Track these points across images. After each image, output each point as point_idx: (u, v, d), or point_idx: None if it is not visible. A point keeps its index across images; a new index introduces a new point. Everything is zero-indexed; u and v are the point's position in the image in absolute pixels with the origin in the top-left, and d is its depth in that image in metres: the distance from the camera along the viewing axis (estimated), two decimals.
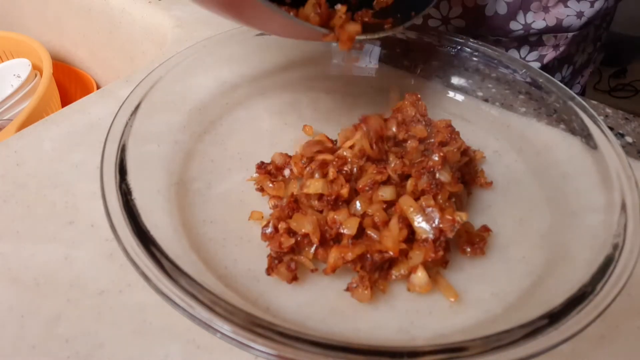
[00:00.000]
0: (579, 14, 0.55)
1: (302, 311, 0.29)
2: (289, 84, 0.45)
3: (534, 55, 0.58)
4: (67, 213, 0.34)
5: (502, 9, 0.54)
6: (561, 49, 0.58)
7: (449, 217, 0.30)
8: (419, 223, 0.30)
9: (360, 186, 0.33)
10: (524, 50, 0.58)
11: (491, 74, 0.43)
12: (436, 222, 0.30)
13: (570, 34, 0.56)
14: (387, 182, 0.33)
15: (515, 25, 0.55)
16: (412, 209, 0.30)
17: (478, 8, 0.54)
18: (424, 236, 0.30)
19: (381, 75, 0.47)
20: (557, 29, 0.55)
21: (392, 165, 0.33)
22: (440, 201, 0.32)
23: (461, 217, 0.31)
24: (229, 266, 0.31)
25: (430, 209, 0.30)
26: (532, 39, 0.57)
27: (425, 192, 0.32)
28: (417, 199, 0.32)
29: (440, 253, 0.30)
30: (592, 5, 0.55)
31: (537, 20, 0.54)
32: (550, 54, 0.58)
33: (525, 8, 0.54)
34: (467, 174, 0.36)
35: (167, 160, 0.37)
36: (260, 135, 0.41)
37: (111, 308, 0.29)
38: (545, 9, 0.55)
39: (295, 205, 0.32)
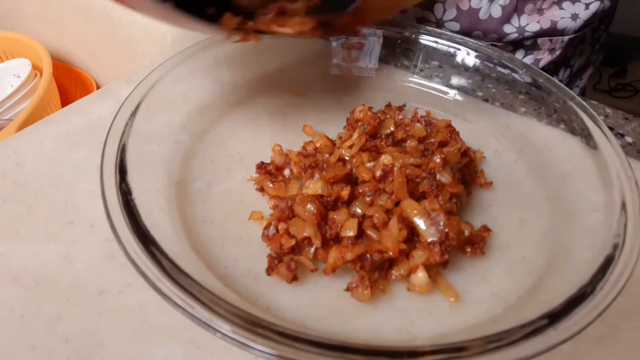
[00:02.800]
0: (574, 16, 0.55)
1: (302, 311, 0.29)
2: (289, 84, 0.45)
3: (529, 59, 0.58)
4: (67, 213, 0.34)
5: (496, 12, 0.54)
6: (557, 52, 0.58)
7: (454, 223, 0.30)
8: (424, 227, 0.30)
9: (361, 191, 0.33)
10: (519, 54, 0.58)
11: (491, 74, 0.43)
12: (441, 225, 0.30)
13: (566, 38, 0.56)
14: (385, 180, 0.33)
15: (509, 29, 0.54)
16: (416, 212, 0.30)
17: (472, 11, 0.54)
18: (429, 239, 0.30)
19: (381, 75, 0.47)
20: (551, 31, 0.55)
21: (384, 160, 0.33)
22: (441, 202, 0.32)
23: (467, 229, 0.32)
24: (229, 266, 0.31)
25: (435, 213, 0.30)
26: (527, 43, 0.57)
27: (426, 194, 0.32)
28: (417, 199, 0.32)
29: (446, 257, 0.30)
30: (587, 7, 0.55)
31: (531, 23, 0.54)
32: (545, 58, 0.58)
33: (519, 11, 0.54)
34: (467, 174, 0.36)
35: (167, 160, 0.37)
36: (260, 135, 0.41)
37: (111, 308, 0.29)
38: (540, 11, 0.55)
39: (291, 211, 0.32)
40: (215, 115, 0.42)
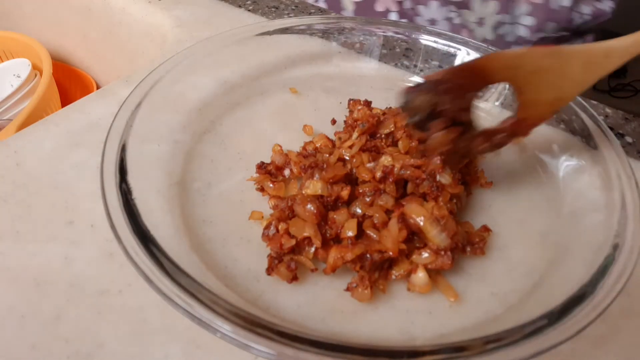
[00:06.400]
0: None
1: (302, 311, 0.29)
2: (289, 84, 0.45)
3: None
4: (67, 213, 0.34)
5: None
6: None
7: (460, 229, 0.31)
8: (435, 233, 0.30)
9: (361, 191, 0.33)
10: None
11: None
12: (449, 232, 0.30)
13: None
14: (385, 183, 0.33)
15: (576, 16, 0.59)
16: (424, 218, 0.30)
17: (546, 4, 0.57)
18: (442, 246, 0.30)
19: (381, 75, 0.47)
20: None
21: (385, 162, 0.33)
22: (441, 203, 0.32)
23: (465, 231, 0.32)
24: (229, 266, 0.31)
25: (444, 220, 0.30)
26: (583, 29, 0.61)
27: (426, 195, 0.32)
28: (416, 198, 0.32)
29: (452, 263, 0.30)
30: None
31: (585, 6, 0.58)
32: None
33: None
34: (467, 174, 0.36)
35: (167, 160, 0.37)
36: (260, 135, 0.41)
37: (111, 308, 0.29)
38: None
39: (291, 211, 0.32)
40: (215, 115, 0.42)
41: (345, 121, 0.40)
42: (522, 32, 0.60)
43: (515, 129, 0.34)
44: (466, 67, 0.33)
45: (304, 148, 0.37)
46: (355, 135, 0.37)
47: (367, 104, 0.41)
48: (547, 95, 0.32)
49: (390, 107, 0.41)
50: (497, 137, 0.34)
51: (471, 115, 0.33)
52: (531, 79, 0.32)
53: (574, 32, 0.62)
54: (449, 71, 0.32)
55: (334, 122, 0.42)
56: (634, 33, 0.32)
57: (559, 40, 0.61)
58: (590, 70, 0.32)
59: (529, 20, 0.59)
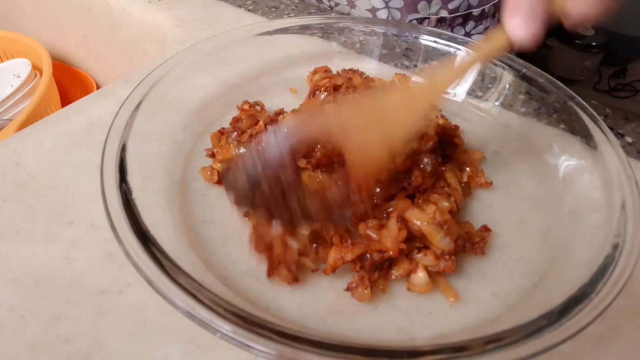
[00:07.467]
0: None
1: (302, 311, 0.29)
2: (289, 84, 0.45)
3: (480, 29, 0.59)
4: (67, 213, 0.34)
5: None
6: (497, 16, 0.59)
7: (461, 232, 0.31)
8: (438, 238, 0.30)
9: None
10: (469, 26, 0.58)
11: (491, 73, 0.43)
12: (453, 235, 0.30)
13: None
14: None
15: None
16: (427, 224, 0.30)
17: None
18: (446, 250, 0.30)
19: (381, 75, 0.47)
20: None
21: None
22: (443, 207, 0.32)
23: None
24: (229, 266, 0.31)
25: (447, 226, 0.30)
26: (475, 13, 0.57)
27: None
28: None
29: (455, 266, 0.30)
30: None
31: None
32: (492, 25, 0.59)
33: None
34: (450, 149, 0.36)
35: (167, 160, 0.37)
36: None
37: (111, 308, 0.29)
38: None
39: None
40: (215, 115, 0.42)
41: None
42: (398, 16, 0.57)
43: (356, 188, 0.30)
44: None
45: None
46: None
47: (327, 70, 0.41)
48: (377, 150, 0.30)
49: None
50: (337, 195, 0.30)
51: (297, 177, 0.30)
52: (352, 140, 0.30)
53: (465, 15, 0.57)
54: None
55: None
56: (449, 66, 0.31)
57: (451, 23, 0.58)
58: (415, 110, 0.30)
59: (398, 3, 0.57)
